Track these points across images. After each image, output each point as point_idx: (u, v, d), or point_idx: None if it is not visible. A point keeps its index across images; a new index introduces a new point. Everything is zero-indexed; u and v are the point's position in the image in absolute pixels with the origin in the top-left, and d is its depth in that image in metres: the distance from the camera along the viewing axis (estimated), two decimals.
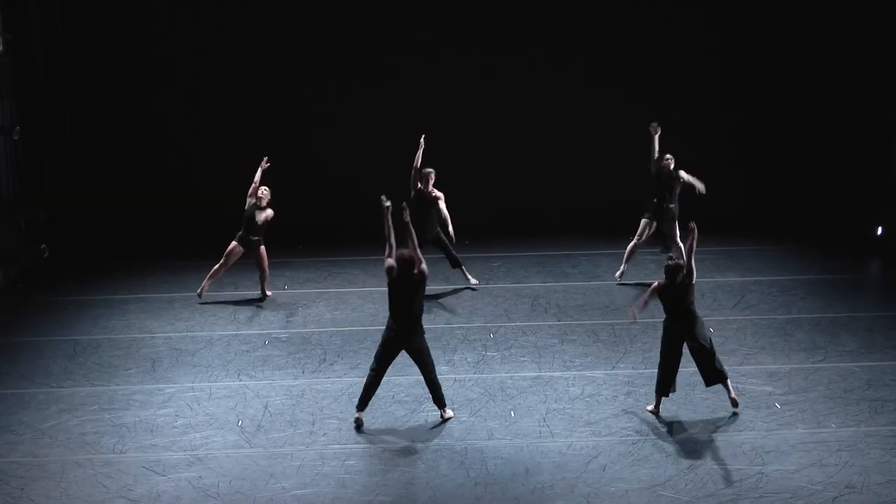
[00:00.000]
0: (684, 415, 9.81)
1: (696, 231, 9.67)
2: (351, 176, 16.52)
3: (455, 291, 13.66)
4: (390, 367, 11.01)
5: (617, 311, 12.75)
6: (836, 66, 16.34)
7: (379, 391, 10.39)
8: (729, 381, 9.78)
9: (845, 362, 11.03)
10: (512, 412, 9.97)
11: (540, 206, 16.36)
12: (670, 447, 9.17)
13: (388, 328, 9.64)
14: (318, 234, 16.12)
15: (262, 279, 13.31)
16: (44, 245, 15.33)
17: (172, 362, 11.38)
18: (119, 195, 16.45)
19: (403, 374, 10.85)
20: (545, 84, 16.63)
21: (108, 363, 11.38)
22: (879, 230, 15.22)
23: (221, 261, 13.09)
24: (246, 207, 13.05)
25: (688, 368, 10.88)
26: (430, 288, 13.78)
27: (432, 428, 9.63)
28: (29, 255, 15.05)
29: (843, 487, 8.42)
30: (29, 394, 10.58)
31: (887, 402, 9.98)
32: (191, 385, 10.72)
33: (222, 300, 13.44)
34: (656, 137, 13.37)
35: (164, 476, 8.80)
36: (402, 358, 11.27)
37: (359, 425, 9.63)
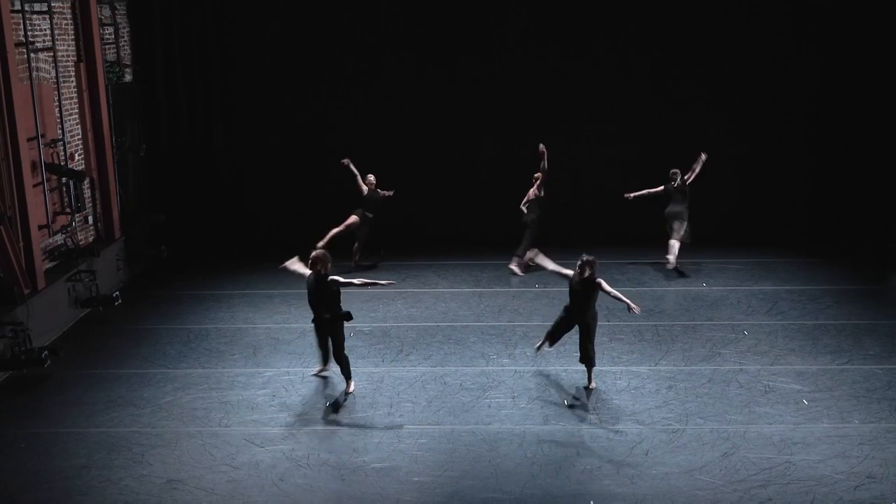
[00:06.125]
0: (720, 407, 9.68)
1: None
2: (428, 186, 16.47)
3: (516, 295, 13.65)
4: (458, 360, 11.06)
5: (660, 315, 12.64)
6: (863, 84, 15.85)
7: (448, 379, 10.45)
8: (592, 371, 10.20)
9: (868, 365, 10.77)
10: (565, 401, 9.94)
11: (591, 221, 16.17)
12: (707, 436, 9.06)
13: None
14: (398, 239, 16.20)
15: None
16: (164, 246, 15.66)
17: (271, 350, 11.56)
18: (230, 204, 16.60)
19: (470, 366, 10.89)
20: (607, 92, 16.23)
21: (216, 349, 11.60)
22: None
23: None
24: (366, 194, 14.60)
25: (722, 367, 10.76)
26: (496, 290, 13.85)
27: (495, 413, 9.65)
28: (151, 255, 15.41)
29: (865, 477, 8.25)
30: (149, 374, 10.85)
31: None
32: (286, 370, 10.89)
33: None
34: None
35: (262, 448, 8.96)
36: (469, 351, 11.34)
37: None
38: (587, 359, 10.15)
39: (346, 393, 10.07)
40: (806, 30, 16.10)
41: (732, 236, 16.13)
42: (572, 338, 11.71)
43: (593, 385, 10.21)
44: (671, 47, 16.19)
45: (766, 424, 9.29)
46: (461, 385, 10.34)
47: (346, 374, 10.16)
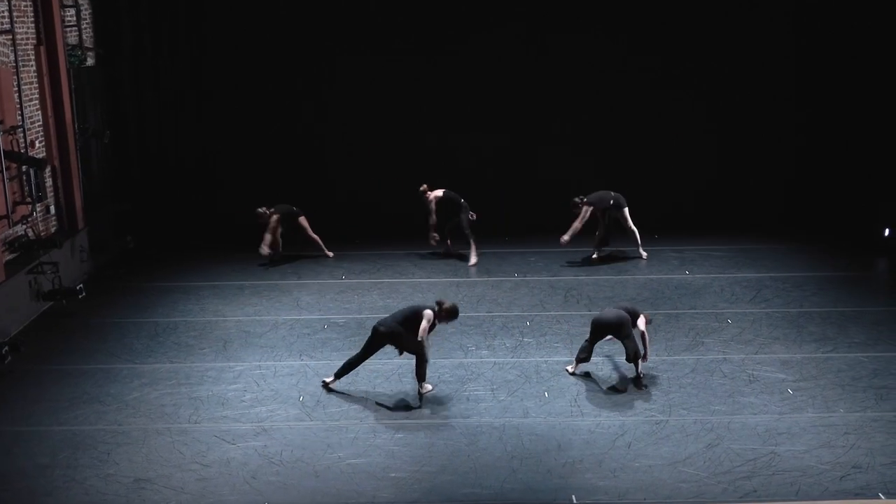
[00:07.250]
0: (703, 398, 9.68)
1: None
2: (404, 177, 16.35)
3: (495, 285, 13.60)
4: (436, 351, 11.00)
5: (643, 304, 12.61)
6: (847, 69, 15.85)
7: (427, 372, 10.36)
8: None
9: (853, 353, 10.82)
10: (546, 393, 9.91)
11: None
12: (690, 427, 9.06)
13: None
14: (372, 229, 16.09)
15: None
16: (130, 237, 15.48)
17: (242, 343, 11.46)
18: (198, 193, 16.39)
19: (448, 357, 10.84)
20: (607, 92, 16.24)
21: (185, 343, 11.48)
22: (887, 232, 14.92)
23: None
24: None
25: (706, 356, 10.77)
26: (474, 280, 13.81)
27: (474, 406, 9.60)
28: (116, 245, 15.23)
29: (850, 467, 8.28)
30: (115, 369, 10.71)
31: (892, 390, 9.79)
32: (258, 364, 10.79)
33: (286, 288, 13.51)
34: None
35: (233, 444, 8.88)
36: (447, 342, 11.28)
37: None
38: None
39: (421, 393, 9.87)
40: (806, 30, 16.11)
41: (715, 223, 16.16)
42: (553, 328, 11.74)
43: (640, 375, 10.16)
44: (672, 47, 16.19)
45: (750, 415, 9.31)
46: (439, 377, 10.28)
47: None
